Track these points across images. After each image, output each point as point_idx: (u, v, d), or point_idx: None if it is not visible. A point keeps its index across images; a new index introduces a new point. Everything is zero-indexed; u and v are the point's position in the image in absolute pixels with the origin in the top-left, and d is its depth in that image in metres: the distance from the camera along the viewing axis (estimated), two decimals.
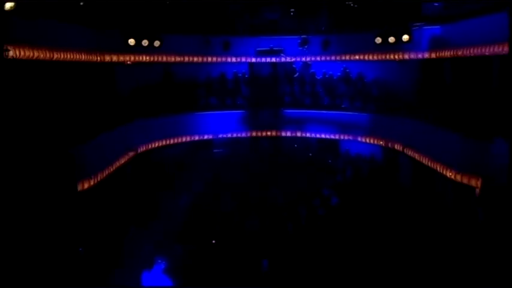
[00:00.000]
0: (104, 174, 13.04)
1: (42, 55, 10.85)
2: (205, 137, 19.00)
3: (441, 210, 14.16)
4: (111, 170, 13.73)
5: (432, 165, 13.80)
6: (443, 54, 14.66)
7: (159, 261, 9.12)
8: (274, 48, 18.50)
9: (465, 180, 11.88)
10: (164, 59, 17.26)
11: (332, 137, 19.08)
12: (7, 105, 9.86)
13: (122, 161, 14.88)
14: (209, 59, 18.33)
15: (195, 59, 18.08)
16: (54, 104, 12.15)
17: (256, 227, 13.70)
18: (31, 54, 10.29)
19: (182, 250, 11.83)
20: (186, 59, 17.92)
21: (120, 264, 11.18)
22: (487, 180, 10.83)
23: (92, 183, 11.98)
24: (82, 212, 11.36)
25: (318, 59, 18.79)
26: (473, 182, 11.56)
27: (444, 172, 12.92)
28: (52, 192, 9.75)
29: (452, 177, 12.42)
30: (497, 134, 10.20)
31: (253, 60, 18.92)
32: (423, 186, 15.40)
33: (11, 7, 8.51)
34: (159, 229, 13.07)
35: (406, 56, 16.26)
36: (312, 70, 20.25)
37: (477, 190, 11.41)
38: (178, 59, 17.72)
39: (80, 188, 11.42)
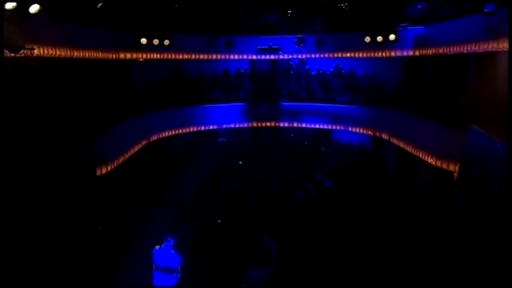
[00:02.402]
0: (120, 161, 13.18)
1: (63, 53, 10.93)
2: (211, 127, 19.08)
3: (422, 193, 14.32)
4: (126, 156, 13.86)
5: (415, 152, 13.93)
6: (426, 52, 14.67)
7: (169, 238, 9.21)
8: (273, 47, 18.47)
9: (444, 166, 12.00)
10: (173, 56, 17.32)
11: (325, 127, 19.14)
12: (33, 99, 10.05)
13: (136, 148, 14.99)
14: (214, 56, 18.32)
15: (202, 56, 18.09)
16: (75, 98, 12.30)
17: (257, 207, 13.81)
18: (54, 52, 10.37)
19: (190, 228, 11.97)
20: (193, 56, 17.95)
21: (134, 241, 11.35)
22: (464, 165, 10.94)
23: (109, 168, 12.13)
24: (100, 194, 11.53)
25: (313, 56, 18.77)
26: (451, 167, 11.69)
27: (426, 158, 13.05)
28: (74, 176, 9.91)
29: (433, 162, 12.53)
30: (473, 123, 10.30)
31: (254, 57, 18.87)
32: (407, 171, 15.52)
33: (36, 10, 8.58)
34: (169, 209, 13.18)
35: (393, 54, 16.32)
36: (307, 66, 20.24)
37: (455, 174, 11.53)
38: (186, 56, 17.77)
39: (98, 172, 11.58)
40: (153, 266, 9.02)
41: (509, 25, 8.43)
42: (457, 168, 11.35)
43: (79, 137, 10.54)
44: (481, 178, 9.81)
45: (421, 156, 13.46)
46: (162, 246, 9.07)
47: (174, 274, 8.99)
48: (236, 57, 18.70)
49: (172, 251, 9.07)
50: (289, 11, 17.19)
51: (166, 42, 16.40)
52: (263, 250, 10.72)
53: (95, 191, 11.18)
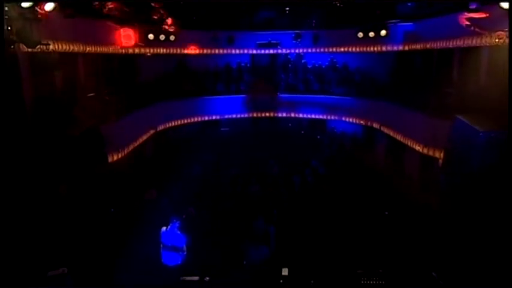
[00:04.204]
0: (130, 148, 13.27)
1: (76, 48, 11.00)
2: (214, 117, 19.19)
3: (409, 177, 14.42)
4: (136, 144, 13.94)
5: (404, 140, 14.01)
6: (414, 46, 14.74)
7: (174, 220, 9.26)
8: (272, 42, 18.50)
9: (431, 153, 12.09)
10: (178, 51, 17.32)
11: (321, 117, 19.26)
12: (49, 91, 10.13)
13: (144, 137, 15.07)
14: (216, 51, 18.36)
15: (205, 51, 18.12)
16: (88, 90, 12.38)
17: (258, 192, 13.89)
18: (68, 47, 10.43)
19: (195, 211, 12.04)
20: (197, 51, 17.96)
21: (143, 222, 11.45)
22: (448, 152, 11.02)
23: (120, 155, 12.21)
24: (112, 179, 11.64)
25: (309, 50, 18.83)
26: (437, 154, 11.74)
27: (413, 146, 13.13)
28: (88, 163, 10.02)
29: (420, 150, 12.62)
30: (457, 113, 10.37)
31: (254, 52, 18.95)
32: (396, 158, 15.61)
33: (51, 8, 8.61)
34: (175, 193, 13.24)
35: (384, 48, 16.39)
36: (304, 60, 20.31)
37: (440, 160, 11.58)
38: (190, 51, 17.78)
39: (110, 159, 11.67)
40: (161, 245, 9.10)
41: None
42: (442, 155, 11.41)
43: (92, 126, 10.60)
44: (464, 164, 9.92)
45: (409, 143, 13.55)
46: (169, 227, 9.13)
47: (180, 252, 9.07)
48: (237, 51, 18.72)
49: (178, 232, 9.12)
50: (287, 9, 17.18)
51: (172, 37, 16.40)
52: (262, 231, 10.80)
53: (107, 176, 11.30)
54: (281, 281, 9.22)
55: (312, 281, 8.96)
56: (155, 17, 15.39)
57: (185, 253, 9.08)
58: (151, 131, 15.93)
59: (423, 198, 12.39)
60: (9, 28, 7.65)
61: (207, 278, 9.46)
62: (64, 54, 10.59)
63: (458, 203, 10.06)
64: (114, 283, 8.82)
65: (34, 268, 7.45)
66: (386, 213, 12.11)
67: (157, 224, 9.45)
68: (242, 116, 19.53)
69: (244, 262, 10.23)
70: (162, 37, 16.12)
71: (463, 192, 9.86)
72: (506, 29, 8.71)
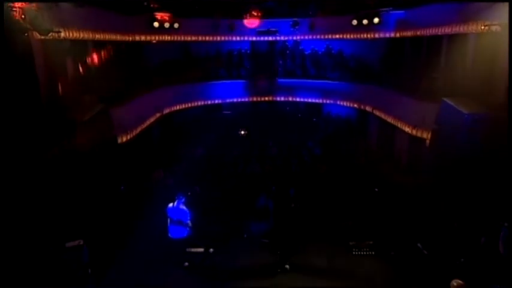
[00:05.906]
0: (138, 130, 13.38)
1: (86, 35, 11.04)
2: (216, 101, 19.25)
3: (399, 156, 14.57)
4: (143, 127, 14.03)
5: (394, 122, 14.11)
6: (405, 33, 14.73)
7: (180, 196, 9.42)
8: (271, 29, 18.36)
9: (419, 134, 12.21)
10: (182, 38, 17.29)
11: (317, 101, 19.27)
12: (61, 75, 10.22)
13: (151, 120, 15.15)
14: (218, 38, 18.29)
15: (207, 38, 18.05)
16: (98, 75, 12.44)
17: (257, 171, 14.06)
18: (78, 35, 10.48)
19: (200, 189, 12.22)
20: (200, 38, 17.87)
21: (151, 199, 11.63)
22: (435, 133, 11.16)
23: (129, 137, 12.34)
24: (122, 159, 11.79)
25: (306, 37, 18.67)
26: (424, 135, 11.87)
27: (403, 127, 13.25)
28: (99, 143, 10.17)
29: (409, 131, 12.75)
30: (444, 97, 10.49)
31: (254, 39, 18.87)
32: (387, 138, 15.75)
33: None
34: (180, 173, 13.40)
35: (377, 35, 16.27)
36: (301, 47, 20.20)
37: (427, 141, 11.72)
38: (193, 38, 17.66)
39: (119, 140, 11.81)
40: (168, 220, 9.30)
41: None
42: (429, 135, 11.55)
43: (102, 109, 10.70)
44: (450, 143, 10.10)
45: (399, 125, 13.65)
46: (175, 203, 9.30)
47: (186, 226, 9.25)
48: (238, 38, 18.64)
49: (184, 208, 9.29)
50: None
51: (176, 25, 16.36)
52: (262, 207, 10.98)
53: (117, 156, 11.46)
54: (278, 252, 9.52)
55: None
56: (160, 6, 15.41)
57: (190, 227, 9.27)
58: (158, 114, 15.97)
59: (411, 176, 12.59)
60: (23, 17, 7.74)
61: (211, 249, 9.75)
62: (75, 41, 10.65)
63: (444, 180, 10.26)
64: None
65: (54, 240, 7.69)
66: (376, 189, 12.30)
67: (164, 200, 9.63)
68: (243, 100, 19.50)
69: (245, 235, 10.48)
70: (166, 25, 16.09)
71: (449, 170, 10.05)
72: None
